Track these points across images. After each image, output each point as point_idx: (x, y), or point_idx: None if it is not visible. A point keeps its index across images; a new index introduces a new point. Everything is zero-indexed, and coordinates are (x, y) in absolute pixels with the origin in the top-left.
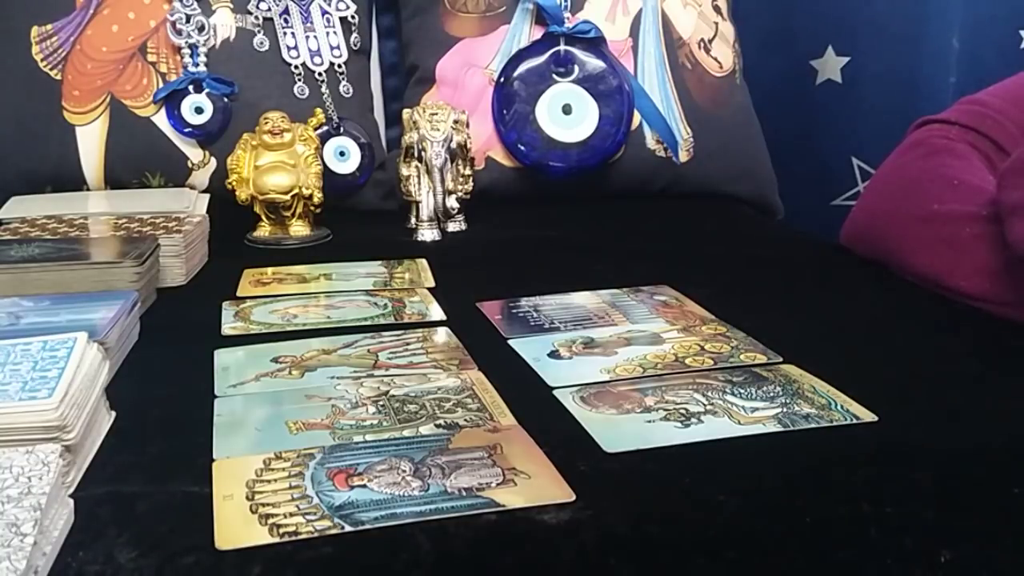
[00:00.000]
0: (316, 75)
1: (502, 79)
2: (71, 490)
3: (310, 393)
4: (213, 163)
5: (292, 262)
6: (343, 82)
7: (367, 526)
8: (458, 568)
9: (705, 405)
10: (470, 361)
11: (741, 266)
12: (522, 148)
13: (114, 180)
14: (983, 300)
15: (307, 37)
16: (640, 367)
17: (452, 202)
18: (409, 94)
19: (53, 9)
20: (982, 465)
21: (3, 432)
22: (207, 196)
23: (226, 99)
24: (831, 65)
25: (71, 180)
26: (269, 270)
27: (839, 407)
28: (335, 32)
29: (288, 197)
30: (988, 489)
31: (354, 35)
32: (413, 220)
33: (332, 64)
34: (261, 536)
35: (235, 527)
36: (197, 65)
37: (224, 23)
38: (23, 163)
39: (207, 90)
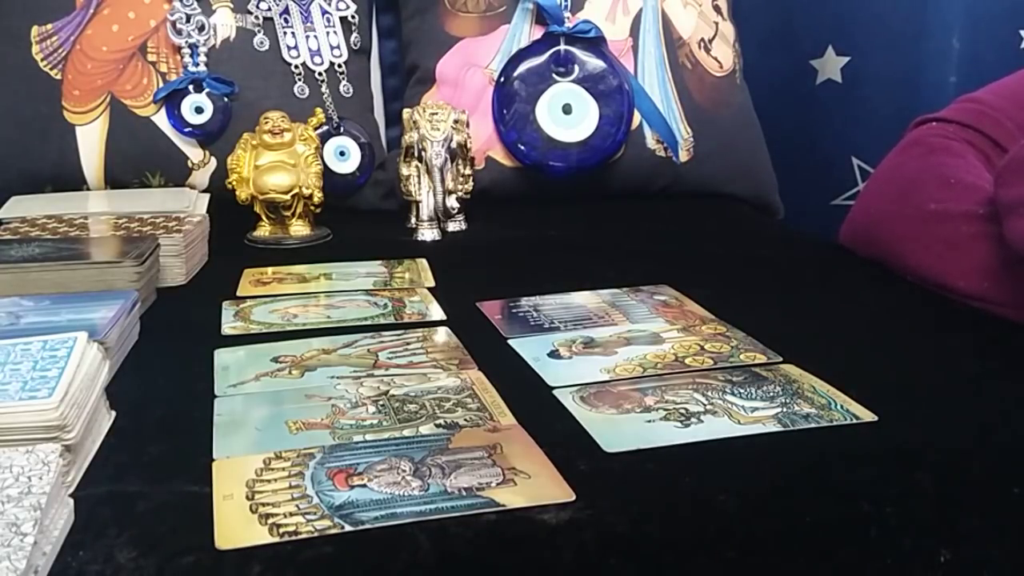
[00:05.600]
0: (316, 75)
1: (502, 79)
2: (71, 490)
3: (310, 393)
4: (213, 163)
5: (292, 262)
6: (343, 82)
7: (367, 526)
8: (458, 568)
9: (705, 405)
10: (470, 361)
11: (741, 266)
12: (522, 148)
13: (114, 180)
14: (981, 299)
15: (307, 37)
16: (640, 367)
17: (452, 202)
18: (409, 94)
19: (53, 9)
20: (982, 465)
21: (3, 432)
22: (207, 196)
23: (226, 99)
24: (831, 65)
25: (71, 180)
26: (269, 270)
27: (839, 407)
28: (335, 32)
29: (288, 197)
30: (988, 489)
31: (354, 35)
32: (413, 220)
33: (332, 64)
34: (261, 536)
35: (235, 527)
36: (197, 65)
37: (224, 23)
38: (23, 163)
39: (207, 90)
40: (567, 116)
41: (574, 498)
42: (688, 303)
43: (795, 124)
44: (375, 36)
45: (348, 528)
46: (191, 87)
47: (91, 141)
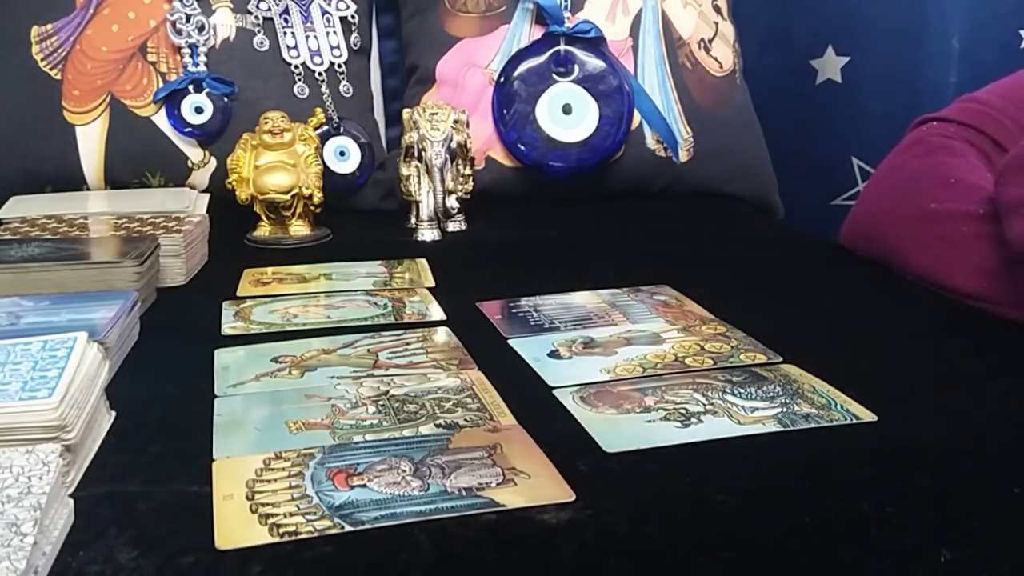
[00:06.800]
0: (316, 75)
1: (502, 79)
2: (71, 490)
3: (310, 393)
4: (213, 163)
5: (292, 262)
6: (343, 82)
7: (367, 526)
8: (458, 568)
9: (705, 405)
10: (470, 361)
11: (741, 266)
12: (522, 148)
13: (114, 180)
14: (981, 299)
15: (307, 37)
16: (640, 367)
17: (452, 202)
18: (409, 94)
19: (53, 9)
20: (982, 465)
21: (3, 432)
22: (207, 196)
23: (226, 99)
24: (831, 65)
25: (71, 180)
26: (269, 270)
27: (839, 407)
28: (335, 32)
29: (288, 197)
30: (988, 489)
31: (354, 35)
32: (413, 220)
33: (332, 64)
34: (261, 536)
35: (235, 527)
36: (197, 65)
37: (224, 23)
38: (23, 163)
39: (207, 90)
40: (567, 116)
41: (574, 498)
42: (688, 303)
43: (795, 124)
44: (375, 36)
45: (348, 528)
46: (191, 87)
47: (91, 141)
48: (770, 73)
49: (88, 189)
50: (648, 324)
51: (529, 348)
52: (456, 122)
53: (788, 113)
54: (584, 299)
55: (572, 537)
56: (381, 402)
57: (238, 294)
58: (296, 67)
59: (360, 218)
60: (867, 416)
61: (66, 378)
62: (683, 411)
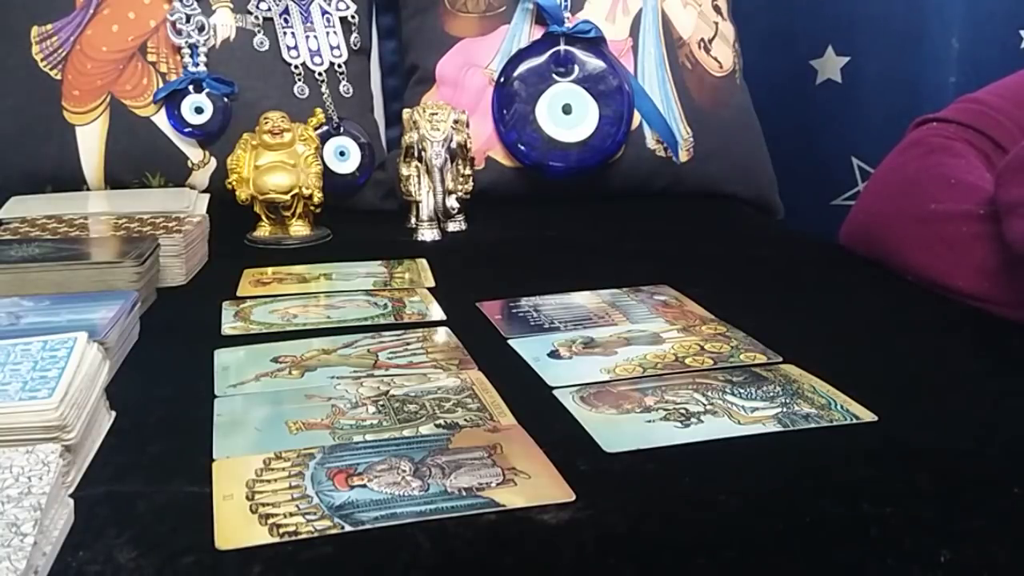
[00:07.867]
0: (316, 75)
1: (502, 79)
2: (71, 490)
3: (310, 393)
4: (213, 163)
5: (292, 262)
6: (343, 82)
7: (367, 526)
8: (458, 568)
9: (705, 405)
10: (470, 361)
11: (741, 266)
12: (522, 148)
13: (114, 180)
14: (981, 300)
15: (307, 37)
16: (640, 367)
17: (452, 202)
18: (409, 94)
19: (53, 9)
20: (982, 465)
21: (3, 432)
22: (207, 196)
23: (226, 99)
24: (831, 65)
25: (71, 180)
26: (269, 270)
27: (839, 407)
28: (335, 32)
29: (288, 197)
30: (988, 489)
31: (354, 35)
32: (413, 220)
33: (332, 64)
34: (261, 536)
35: (235, 527)
36: (197, 65)
37: (224, 23)
38: (23, 163)
39: (207, 90)
40: (567, 116)
41: (574, 498)
42: (688, 303)
43: (795, 124)
44: (375, 36)
45: (348, 528)
46: (191, 87)
47: (91, 141)
48: (770, 73)
49: (88, 189)
50: (648, 324)
51: (529, 348)
52: (456, 122)
53: (788, 113)
54: (584, 299)
55: (572, 537)
56: (381, 402)
57: (238, 294)
58: (296, 67)
59: (360, 218)
60: (867, 416)
61: (66, 378)
62: (683, 411)
